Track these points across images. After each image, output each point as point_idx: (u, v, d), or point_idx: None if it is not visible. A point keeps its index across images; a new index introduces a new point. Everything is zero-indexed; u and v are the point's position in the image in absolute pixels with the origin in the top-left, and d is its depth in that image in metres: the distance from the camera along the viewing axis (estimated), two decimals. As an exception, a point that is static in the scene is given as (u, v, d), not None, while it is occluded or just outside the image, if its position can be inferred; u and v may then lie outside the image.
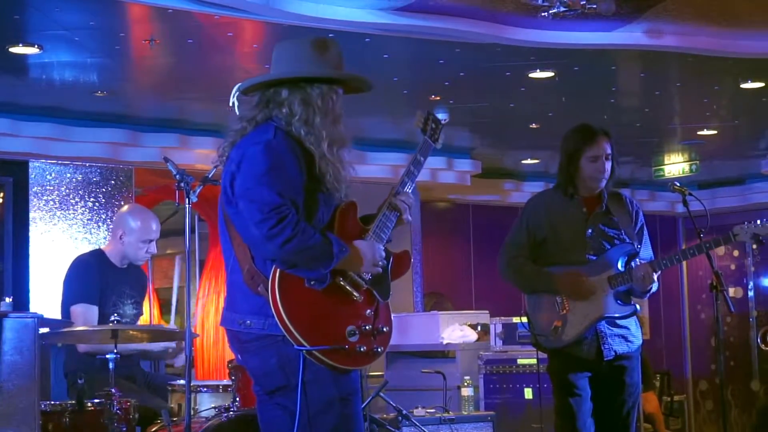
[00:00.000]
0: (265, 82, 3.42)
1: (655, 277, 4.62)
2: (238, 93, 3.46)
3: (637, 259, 4.70)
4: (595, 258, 4.72)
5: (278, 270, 3.22)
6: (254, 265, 3.28)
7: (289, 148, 3.29)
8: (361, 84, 3.55)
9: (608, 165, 4.75)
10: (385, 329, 3.41)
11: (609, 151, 4.75)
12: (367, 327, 3.35)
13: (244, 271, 3.30)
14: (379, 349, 3.38)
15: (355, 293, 3.35)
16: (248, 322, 3.30)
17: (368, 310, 3.38)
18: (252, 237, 3.21)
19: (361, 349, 3.31)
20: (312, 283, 3.26)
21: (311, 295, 3.26)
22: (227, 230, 3.40)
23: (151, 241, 5.64)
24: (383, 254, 3.42)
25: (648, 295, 4.74)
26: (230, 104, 3.46)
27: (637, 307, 4.76)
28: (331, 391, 3.26)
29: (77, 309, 5.47)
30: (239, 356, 3.46)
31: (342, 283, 3.33)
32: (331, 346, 3.24)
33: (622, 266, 4.70)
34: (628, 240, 4.74)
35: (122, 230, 5.64)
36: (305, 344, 3.19)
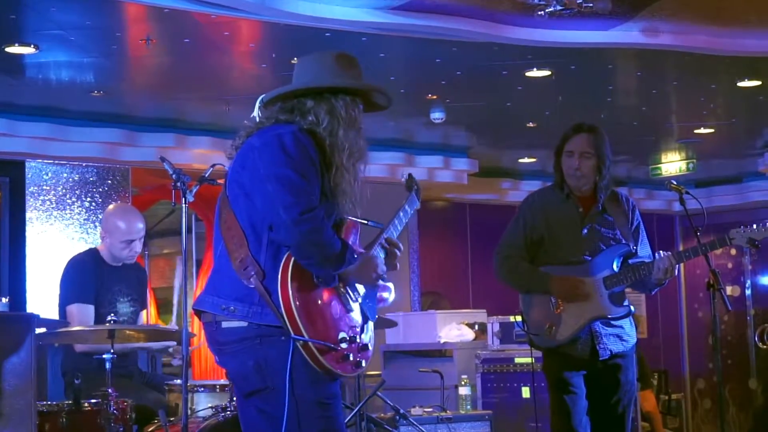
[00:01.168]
0: (288, 93, 3.43)
1: (676, 270, 4.61)
2: (261, 104, 3.47)
3: (662, 252, 4.65)
4: (590, 258, 4.71)
5: (291, 260, 3.22)
6: (250, 253, 3.27)
7: (312, 144, 3.31)
8: (382, 99, 3.57)
9: (584, 163, 4.70)
10: (369, 346, 3.45)
11: (586, 148, 4.71)
12: (356, 338, 3.37)
13: (236, 261, 3.28)
14: (363, 363, 3.40)
15: (351, 303, 3.39)
16: (231, 307, 3.27)
17: (358, 323, 3.41)
18: (278, 219, 3.18)
19: (349, 357, 3.32)
20: (319, 280, 3.28)
21: (317, 292, 3.29)
22: (221, 216, 3.38)
23: (131, 241, 5.61)
24: (385, 269, 3.47)
25: (659, 288, 4.72)
26: (254, 115, 3.46)
27: (632, 308, 4.76)
28: (309, 395, 3.25)
29: (73, 309, 5.47)
30: (217, 357, 3.45)
31: (343, 290, 3.37)
32: (324, 342, 3.24)
33: (617, 267, 4.69)
34: (623, 240, 4.74)
35: (104, 230, 5.66)
36: (305, 335, 3.19)
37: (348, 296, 3.39)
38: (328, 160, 3.33)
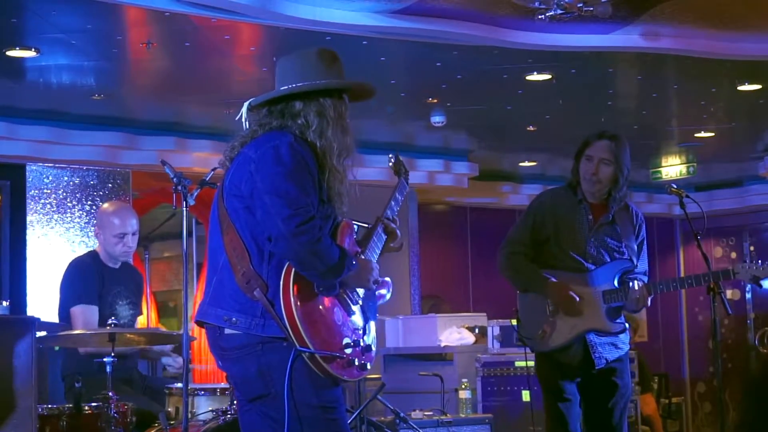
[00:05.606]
0: (277, 98, 3.42)
1: (649, 301, 4.63)
2: (247, 108, 3.46)
3: (636, 281, 4.64)
4: (593, 267, 4.70)
5: (292, 271, 3.23)
6: (252, 267, 3.28)
7: (308, 153, 3.31)
8: (367, 91, 3.59)
9: (602, 169, 4.73)
10: (372, 347, 3.45)
11: (606, 155, 4.74)
12: (359, 341, 3.38)
13: (238, 274, 3.28)
14: (368, 365, 3.41)
15: (352, 306, 3.40)
16: (234, 319, 3.28)
17: (360, 326, 3.42)
18: (277, 231, 3.19)
19: (354, 362, 3.34)
20: (321, 289, 3.28)
21: (319, 302, 3.29)
22: (219, 227, 3.39)
23: (125, 235, 5.61)
24: (378, 276, 3.47)
25: (638, 312, 4.75)
26: (239, 118, 3.45)
27: (626, 325, 4.76)
28: (312, 400, 3.26)
29: (77, 310, 5.46)
30: (219, 362, 3.45)
31: (344, 295, 3.37)
32: (330, 352, 3.25)
33: (617, 283, 4.69)
34: (627, 254, 4.73)
35: (98, 227, 5.67)
36: (310, 347, 3.20)
37: (348, 300, 3.39)
38: (322, 165, 3.34)
